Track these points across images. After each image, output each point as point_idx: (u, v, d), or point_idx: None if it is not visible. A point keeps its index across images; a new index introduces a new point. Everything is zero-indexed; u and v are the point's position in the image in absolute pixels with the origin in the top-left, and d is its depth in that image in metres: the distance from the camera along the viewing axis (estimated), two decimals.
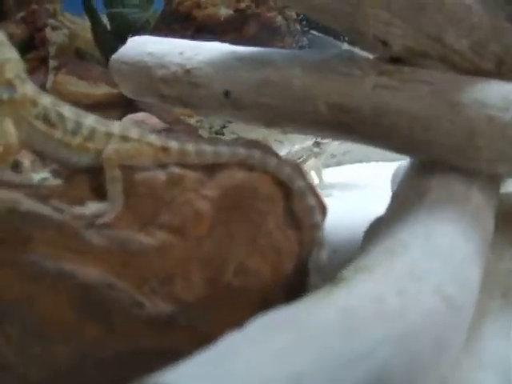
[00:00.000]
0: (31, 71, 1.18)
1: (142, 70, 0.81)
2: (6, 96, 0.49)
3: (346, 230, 0.79)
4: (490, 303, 0.62)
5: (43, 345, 0.45)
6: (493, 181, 0.68)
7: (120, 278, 0.46)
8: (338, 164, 1.31)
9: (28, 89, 0.51)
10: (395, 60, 0.66)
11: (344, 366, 0.32)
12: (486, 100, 0.59)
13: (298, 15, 1.18)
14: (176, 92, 0.79)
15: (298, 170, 0.54)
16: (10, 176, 0.51)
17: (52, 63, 1.15)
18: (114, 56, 0.85)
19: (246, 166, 0.52)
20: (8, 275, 0.44)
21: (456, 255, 0.52)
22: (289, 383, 0.29)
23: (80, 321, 0.45)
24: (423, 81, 0.63)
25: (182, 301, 0.47)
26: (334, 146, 1.14)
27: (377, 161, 1.26)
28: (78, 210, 0.47)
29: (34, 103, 0.51)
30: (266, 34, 1.19)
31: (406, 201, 0.61)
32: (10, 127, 0.49)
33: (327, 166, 1.26)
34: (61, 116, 0.51)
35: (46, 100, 0.51)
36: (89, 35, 1.19)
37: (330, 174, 1.22)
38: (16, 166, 0.64)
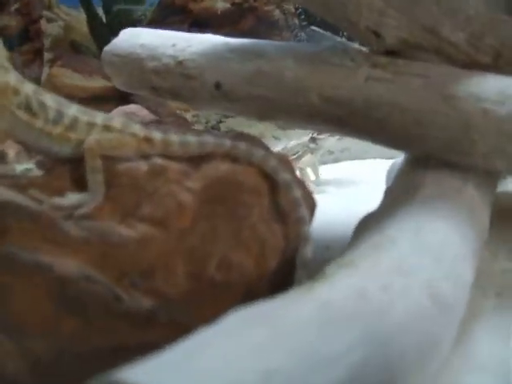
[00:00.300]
0: (26, 63, 1.17)
1: (134, 62, 0.80)
2: None
3: (339, 227, 0.78)
4: (484, 302, 0.60)
5: (19, 338, 0.44)
6: (489, 177, 0.66)
7: (99, 270, 0.45)
8: (336, 161, 1.30)
9: (11, 77, 0.50)
10: (390, 53, 0.64)
11: (319, 364, 0.31)
12: (481, 93, 0.58)
13: (296, 9, 1.16)
14: (168, 84, 0.78)
15: (285, 162, 0.52)
16: None
17: (47, 56, 1.14)
18: (107, 48, 0.84)
19: (231, 157, 0.50)
20: None
21: (447, 252, 0.50)
22: (259, 380, 0.28)
23: (57, 314, 0.43)
24: (417, 74, 0.61)
25: (163, 295, 0.46)
26: (330, 142, 1.13)
27: (374, 158, 1.24)
28: (56, 200, 0.46)
29: (17, 92, 0.49)
30: (264, 28, 1.18)
31: (398, 196, 0.60)
32: None
33: (324, 162, 1.25)
34: (42, 105, 0.50)
35: (29, 89, 0.50)
36: (84, 28, 1.18)
37: (327, 171, 1.20)
38: (1, 157, 0.63)
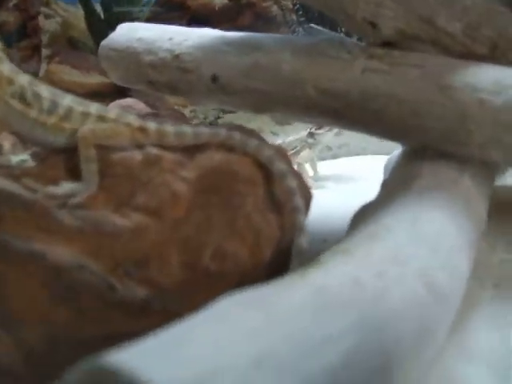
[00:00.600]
0: (24, 60, 1.17)
1: (131, 56, 0.80)
2: None
3: (337, 220, 0.77)
4: (482, 293, 0.60)
5: (13, 328, 0.44)
6: (486, 169, 0.66)
7: (93, 259, 0.45)
8: (334, 157, 1.29)
9: (5, 68, 0.50)
10: (386, 44, 0.64)
11: (312, 349, 0.31)
12: (477, 83, 0.57)
13: (294, 5, 1.16)
14: (165, 78, 0.77)
15: (280, 153, 0.52)
16: None
17: (45, 52, 1.14)
18: (104, 42, 0.84)
19: (226, 147, 0.50)
20: None
21: (444, 242, 0.50)
22: (251, 365, 0.28)
23: (51, 303, 0.43)
24: (414, 64, 0.61)
25: (158, 284, 0.46)
26: (328, 137, 1.12)
27: (373, 154, 1.24)
28: (50, 189, 0.46)
29: (11, 82, 0.49)
30: (262, 24, 1.18)
31: (394, 187, 0.60)
32: None
33: (323, 158, 1.24)
34: (37, 95, 0.50)
35: (24, 79, 0.50)
36: (82, 24, 1.18)
37: (326, 167, 1.20)
38: None
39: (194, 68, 0.73)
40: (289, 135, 1.14)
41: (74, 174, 0.49)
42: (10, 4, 1.11)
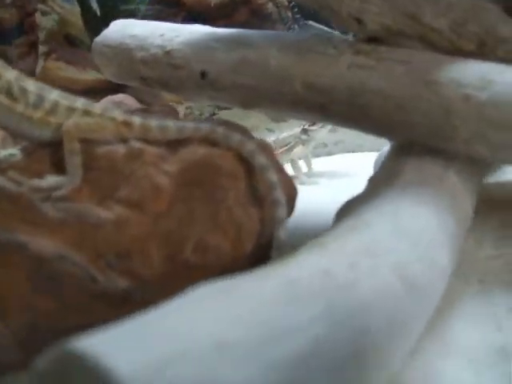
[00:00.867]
0: (21, 56, 1.18)
1: (124, 53, 0.81)
2: None
3: (328, 216, 0.78)
4: (466, 289, 0.60)
5: None
6: (473, 166, 0.66)
7: (75, 251, 0.45)
8: (329, 154, 1.30)
9: None
10: (373, 40, 0.64)
11: (278, 337, 0.31)
12: (462, 79, 0.57)
13: (289, 2, 1.16)
14: (156, 74, 0.78)
15: (263, 147, 0.53)
16: None
17: (42, 49, 1.15)
18: (97, 39, 0.85)
19: (209, 141, 0.51)
20: None
21: (424, 236, 0.50)
22: (214, 350, 0.28)
23: (33, 293, 0.44)
24: (400, 60, 0.61)
25: (139, 276, 0.47)
26: (323, 134, 1.13)
27: (369, 151, 1.24)
28: (35, 182, 0.47)
29: None
30: (257, 21, 1.18)
31: (379, 183, 0.60)
32: None
33: (318, 155, 1.25)
34: (23, 90, 0.50)
35: (11, 74, 0.51)
36: (79, 21, 1.18)
37: (321, 164, 1.20)
38: None
39: (184, 64, 0.74)
40: (284, 132, 1.14)
41: (59, 167, 0.50)
42: (7, 1, 1.12)
